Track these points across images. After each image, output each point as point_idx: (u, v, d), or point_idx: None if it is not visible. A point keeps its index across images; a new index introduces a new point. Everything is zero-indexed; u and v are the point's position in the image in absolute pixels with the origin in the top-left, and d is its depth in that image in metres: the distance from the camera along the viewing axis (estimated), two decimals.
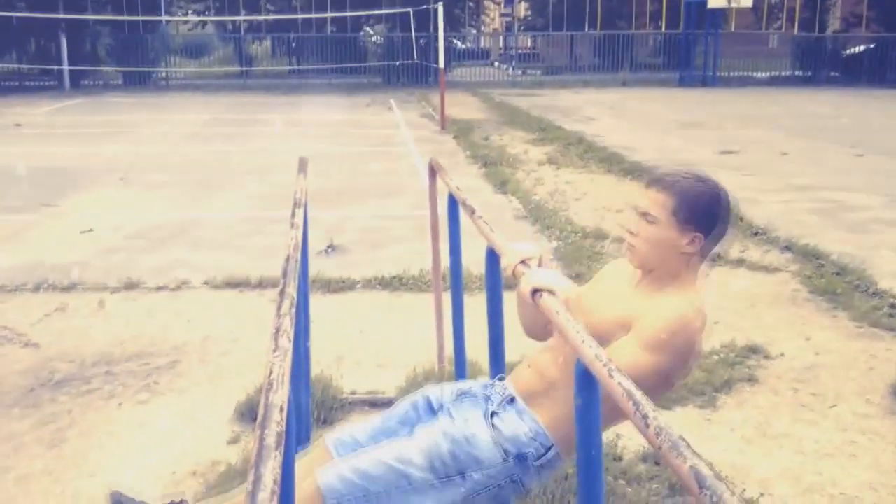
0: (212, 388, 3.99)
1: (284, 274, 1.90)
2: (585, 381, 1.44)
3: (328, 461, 2.09)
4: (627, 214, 2.05)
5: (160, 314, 5.06)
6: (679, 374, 1.98)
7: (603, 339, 1.80)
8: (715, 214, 1.97)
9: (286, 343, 1.46)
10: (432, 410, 2.18)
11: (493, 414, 2.04)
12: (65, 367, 4.23)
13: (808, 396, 3.87)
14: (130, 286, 5.53)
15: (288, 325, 1.55)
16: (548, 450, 1.99)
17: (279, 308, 1.63)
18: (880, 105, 19.89)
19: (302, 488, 1.93)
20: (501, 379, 2.22)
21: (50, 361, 4.30)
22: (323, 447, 2.17)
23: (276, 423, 1.16)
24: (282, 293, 1.73)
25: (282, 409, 1.20)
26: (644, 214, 1.99)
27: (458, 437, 1.99)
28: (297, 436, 1.77)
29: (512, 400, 2.07)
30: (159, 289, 5.51)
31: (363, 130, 14.83)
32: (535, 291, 1.83)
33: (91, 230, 7.04)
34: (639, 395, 1.22)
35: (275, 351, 1.42)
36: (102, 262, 6.11)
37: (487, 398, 2.11)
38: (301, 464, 2.04)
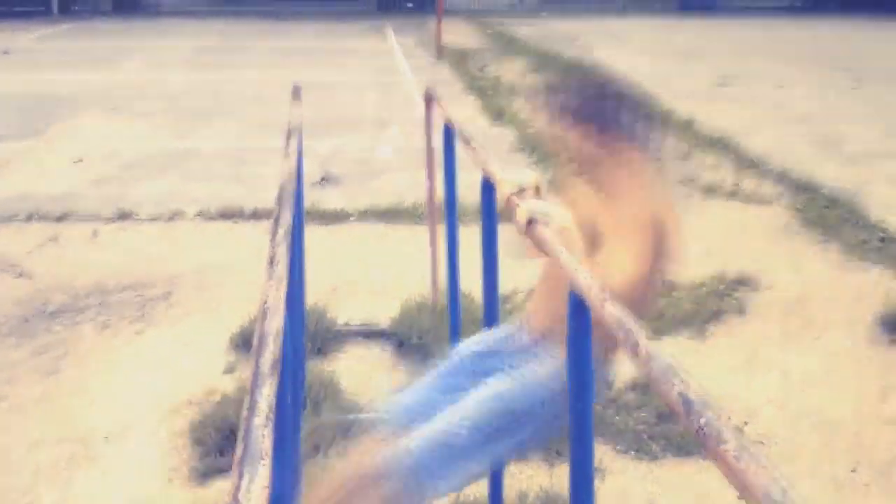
0: (206, 318, 4.02)
1: (279, 202, 1.89)
2: (578, 309, 1.46)
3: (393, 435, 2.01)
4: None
5: (154, 245, 5.06)
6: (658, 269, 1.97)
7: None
8: (628, 105, 2.03)
9: (281, 271, 1.47)
10: (468, 373, 2.12)
11: (517, 367, 2.02)
12: (59, 297, 4.25)
13: (796, 326, 3.92)
14: (123, 216, 5.51)
15: (283, 252, 1.56)
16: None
17: (274, 236, 1.64)
18: (881, 35, 19.61)
19: (375, 466, 1.89)
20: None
21: (44, 292, 4.31)
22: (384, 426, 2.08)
23: (271, 351, 1.17)
24: (276, 221, 1.73)
25: (277, 337, 1.22)
26: (555, 133, 2.06)
27: (500, 394, 1.95)
28: (292, 364, 1.79)
29: (535, 342, 2.06)
30: (153, 219, 5.50)
31: (358, 59, 14.59)
32: (530, 222, 1.83)
33: (82, 160, 6.99)
34: (630, 322, 1.24)
35: (269, 279, 1.43)
36: (95, 192, 6.08)
37: (511, 354, 2.09)
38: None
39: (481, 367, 2.10)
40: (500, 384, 1.99)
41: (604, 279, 1.70)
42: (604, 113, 1.99)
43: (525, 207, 1.88)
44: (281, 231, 1.64)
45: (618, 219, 1.93)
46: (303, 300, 3.15)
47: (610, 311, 1.29)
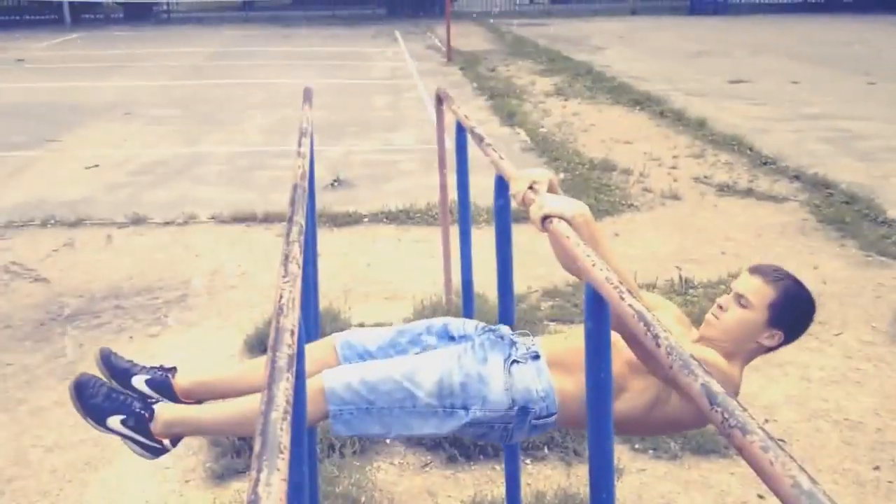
0: (221, 322, 4.02)
1: (292, 202, 1.88)
2: (596, 303, 1.44)
3: (332, 361, 2.11)
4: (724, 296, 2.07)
5: (168, 249, 5.08)
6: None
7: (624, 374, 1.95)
8: (802, 322, 2.03)
9: (295, 269, 1.46)
10: (450, 338, 2.18)
11: (514, 361, 2.03)
12: (74, 301, 4.26)
13: (815, 325, 3.86)
14: (138, 221, 5.53)
15: (297, 251, 1.55)
16: (551, 414, 1.99)
17: (288, 235, 1.62)
18: (893, 32, 19.47)
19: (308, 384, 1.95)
20: (527, 335, 2.20)
21: (60, 296, 4.33)
22: (330, 346, 2.18)
23: (288, 346, 1.16)
24: (290, 221, 1.72)
25: (292, 333, 1.20)
26: (739, 297, 2.02)
27: (472, 371, 1.99)
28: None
29: (536, 356, 2.06)
30: (166, 224, 5.52)
31: (368, 63, 14.62)
32: (546, 218, 1.80)
33: (97, 165, 7.02)
34: (649, 316, 1.22)
35: (284, 277, 1.42)
36: (109, 198, 6.11)
37: (513, 344, 2.10)
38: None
39: (437, 344, 2.16)
40: (472, 361, 2.01)
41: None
42: (798, 331, 2.04)
43: (539, 203, 1.85)
44: (295, 230, 1.63)
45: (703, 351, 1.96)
46: (316, 301, 3.14)
47: (629, 304, 1.27)
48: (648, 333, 1.20)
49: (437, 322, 2.25)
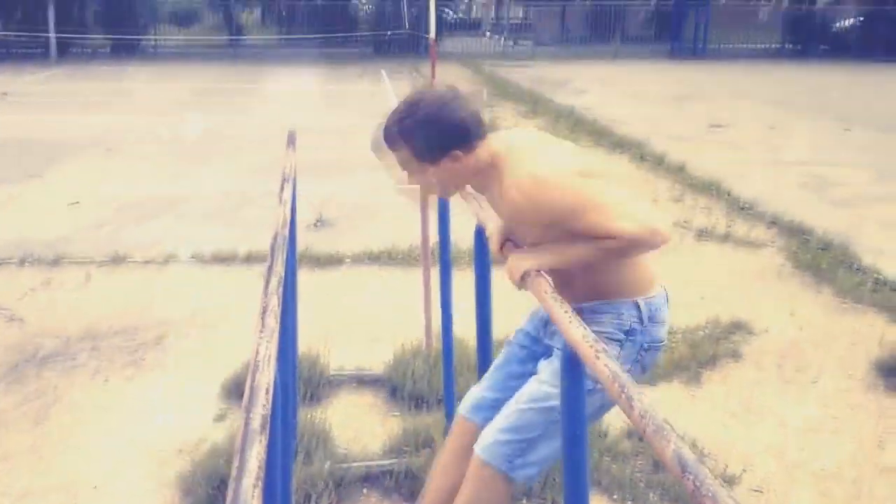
0: (198, 364, 3.99)
1: (272, 251, 1.89)
2: (572, 363, 1.45)
3: (473, 431, 2.17)
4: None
5: (147, 288, 5.04)
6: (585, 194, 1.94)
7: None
8: (439, 132, 1.97)
9: (273, 323, 1.46)
10: (538, 342, 2.25)
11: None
12: (50, 342, 4.22)
13: (791, 372, 3.91)
14: (117, 260, 5.50)
15: (275, 304, 1.55)
16: (637, 308, 2.04)
17: (266, 286, 1.63)
18: (868, 79, 19.88)
19: (470, 470, 2.05)
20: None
21: (35, 337, 4.28)
22: (462, 422, 2.25)
23: (262, 406, 1.16)
24: (269, 271, 1.72)
25: (267, 391, 1.20)
26: (408, 173, 2.05)
27: (554, 371, 2.03)
28: (283, 416, 1.77)
29: (580, 310, 2.10)
30: (146, 262, 5.49)
31: (354, 101, 14.72)
32: (523, 276, 1.88)
33: (77, 202, 6.99)
34: (624, 377, 1.23)
35: (261, 331, 1.42)
36: (89, 236, 6.07)
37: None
38: (452, 447, 2.20)
39: (539, 348, 2.22)
40: (551, 364, 2.07)
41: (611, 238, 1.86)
42: (444, 131, 1.97)
43: (509, 266, 1.94)
44: (273, 281, 1.63)
45: (517, 203, 1.94)
46: (295, 348, 3.13)
47: (604, 365, 1.28)
48: (623, 395, 1.21)
49: (521, 335, 2.32)
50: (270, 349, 1.35)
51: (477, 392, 2.30)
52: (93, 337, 4.29)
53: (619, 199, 1.91)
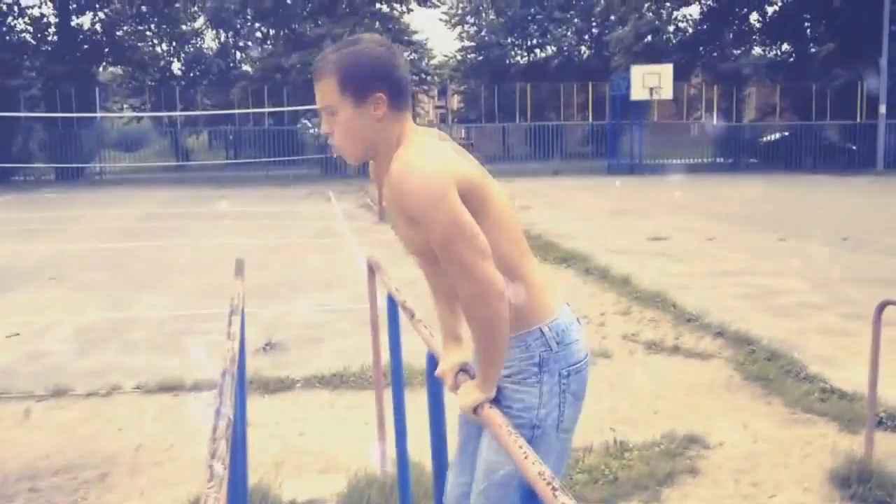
0: (144, 503, 3.82)
1: (220, 391, 1.85)
2: (530, 498, 1.43)
3: None
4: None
5: (90, 423, 4.87)
6: (463, 208, 1.85)
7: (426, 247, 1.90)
8: (376, 68, 1.91)
9: (221, 470, 1.42)
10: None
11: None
12: None
13: (748, 487, 3.90)
14: (58, 393, 5.32)
15: (223, 448, 1.51)
16: (541, 334, 2.00)
17: (214, 431, 1.59)
18: (798, 190, 20.84)
19: None
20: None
21: None
22: None
23: None
24: (217, 414, 1.69)
25: None
26: (325, 109, 1.95)
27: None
28: None
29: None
30: (89, 395, 5.32)
31: (301, 222, 14.83)
32: (475, 409, 1.90)
33: (17, 334, 6.80)
34: None
35: (209, 480, 1.38)
36: (29, 368, 5.89)
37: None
38: None
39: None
40: (487, 434, 2.04)
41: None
42: (381, 76, 1.91)
43: (463, 403, 1.96)
44: (222, 424, 1.60)
45: (401, 199, 1.87)
46: (246, 487, 3.03)
47: (562, 502, 1.27)
48: None
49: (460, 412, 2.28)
50: (220, 498, 1.31)
51: (453, 486, 2.26)
52: (31, 477, 4.09)
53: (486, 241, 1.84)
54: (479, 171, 1.99)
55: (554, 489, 1.34)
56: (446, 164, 1.86)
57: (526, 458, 1.47)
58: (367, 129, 1.93)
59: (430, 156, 1.86)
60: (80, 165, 25.78)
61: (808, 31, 33.45)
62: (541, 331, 1.99)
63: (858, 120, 28.89)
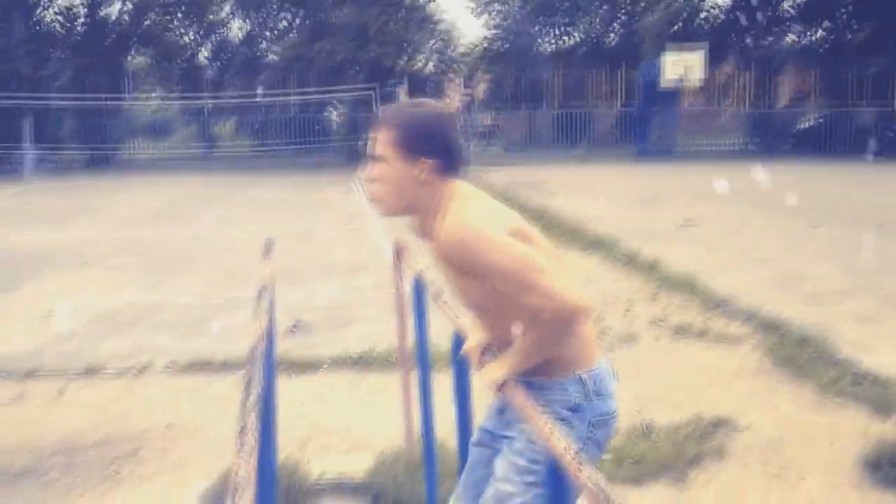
0: (175, 477, 3.88)
1: (250, 365, 1.88)
2: (555, 473, 1.44)
3: None
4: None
5: (122, 400, 4.95)
6: (524, 256, 1.94)
7: (490, 300, 1.97)
8: (431, 134, 2.02)
9: (252, 441, 1.44)
10: (496, 438, 2.23)
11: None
12: (23, 458, 4.10)
13: (776, 469, 3.87)
14: (91, 372, 5.41)
15: (253, 421, 1.53)
16: (581, 382, 2.04)
17: (244, 403, 1.61)
18: (831, 176, 20.51)
19: None
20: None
21: (6, 453, 4.16)
22: None
23: None
24: (247, 387, 1.71)
25: None
26: (374, 157, 2.05)
27: (522, 447, 2.05)
28: None
29: (529, 385, 2.07)
30: (120, 374, 5.40)
31: (327, 208, 14.90)
32: (500, 387, 1.92)
33: (51, 316, 6.92)
34: (608, 489, 1.22)
35: (240, 450, 1.40)
36: (62, 348, 5.99)
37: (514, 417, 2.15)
38: None
39: (498, 445, 2.20)
40: (503, 460, 2.08)
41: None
42: (435, 144, 2.02)
43: (487, 379, 1.97)
44: (251, 398, 1.62)
45: (453, 256, 1.97)
46: (275, 460, 3.06)
47: (587, 476, 1.27)
48: None
49: (479, 433, 2.31)
50: (250, 469, 1.33)
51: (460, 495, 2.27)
52: (66, 452, 4.17)
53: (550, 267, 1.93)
54: (525, 223, 2.08)
55: (579, 464, 1.34)
56: (496, 215, 1.99)
57: (552, 434, 1.47)
58: (409, 186, 2.03)
59: (480, 209, 1.98)
60: (110, 152, 26.08)
61: (844, 16, 32.81)
62: (581, 378, 2.06)
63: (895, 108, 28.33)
